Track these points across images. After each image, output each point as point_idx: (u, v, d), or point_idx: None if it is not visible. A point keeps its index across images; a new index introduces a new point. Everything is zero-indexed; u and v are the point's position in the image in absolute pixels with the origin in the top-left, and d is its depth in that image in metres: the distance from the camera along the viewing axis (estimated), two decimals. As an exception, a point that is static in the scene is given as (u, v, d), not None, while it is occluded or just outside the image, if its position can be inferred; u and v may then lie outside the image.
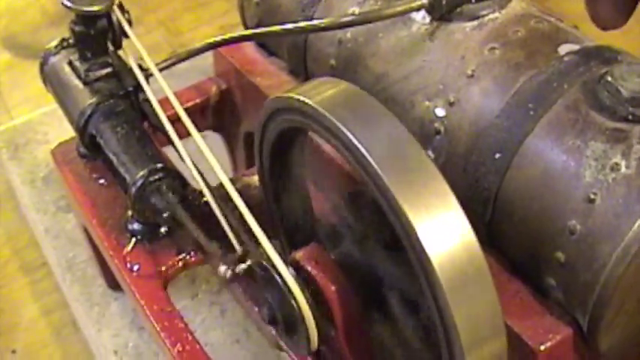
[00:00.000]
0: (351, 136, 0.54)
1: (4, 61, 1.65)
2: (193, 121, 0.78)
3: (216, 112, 0.99)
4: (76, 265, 1.08)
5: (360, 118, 0.56)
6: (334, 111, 0.56)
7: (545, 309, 0.66)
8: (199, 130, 0.96)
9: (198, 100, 0.97)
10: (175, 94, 0.82)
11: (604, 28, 0.60)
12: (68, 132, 0.89)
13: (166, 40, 1.63)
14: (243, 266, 0.66)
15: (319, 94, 0.59)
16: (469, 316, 0.53)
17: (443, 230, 0.52)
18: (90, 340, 1.03)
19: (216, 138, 1.06)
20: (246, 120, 0.96)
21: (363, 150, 0.54)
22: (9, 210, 1.29)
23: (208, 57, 0.98)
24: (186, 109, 0.88)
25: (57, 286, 1.14)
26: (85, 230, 0.95)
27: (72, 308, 1.08)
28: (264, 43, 0.95)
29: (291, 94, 0.60)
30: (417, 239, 0.52)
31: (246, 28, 0.99)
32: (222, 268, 0.65)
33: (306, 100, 0.58)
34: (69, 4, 0.79)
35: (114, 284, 1.00)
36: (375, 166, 0.53)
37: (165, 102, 0.80)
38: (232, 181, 0.78)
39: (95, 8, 0.79)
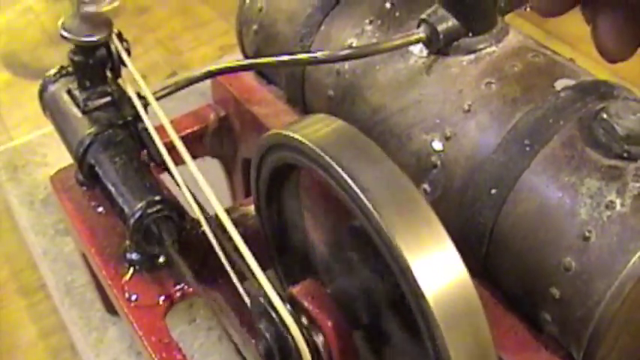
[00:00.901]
0: (344, 174, 0.55)
1: (4, 80, 1.65)
2: (192, 148, 0.78)
3: (215, 139, 0.99)
4: (74, 288, 1.08)
5: (354, 157, 0.57)
6: (329, 150, 0.57)
7: (541, 344, 0.66)
8: (198, 156, 0.97)
9: (196, 128, 0.98)
10: (174, 121, 0.82)
11: (612, 61, 0.60)
12: (67, 154, 0.88)
13: (165, 60, 1.63)
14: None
15: (315, 132, 0.60)
16: (464, 352, 0.53)
17: (437, 268, 0.53)
18: (88, 364, 1.03)
19: (216, 163, 1.06)
20: (244, 147, 0.97)
21: (356, 188, 0.54)
22: (7, 231, 1.29)
23: (208, 80, 0.98)
24: (184, 136, 0.89)
25: (55, 308, 1.14)
26: (84, 255, 0.95)
27: (70, 332, 1.08)
28: (262, 71, 0.96)
29: (286, 132, 0.61)
30: (412, 276, 0.52)
31: (245, 54, 0.99)
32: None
33: (301, 138, 0.59)
34: (67, 34, 0.79)
35: (112, 309, 1.00)
36: (368, 204, 0.54)
37: (163, 129, 0.80)
38: (230, 210, 0.79)
39: (94, 39, 0.80)
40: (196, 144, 0.97)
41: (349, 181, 0.55)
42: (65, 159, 0.93)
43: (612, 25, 0.57)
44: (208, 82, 1.00)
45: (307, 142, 0.58)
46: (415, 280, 0.52)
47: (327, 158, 0.56)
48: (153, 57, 1.64)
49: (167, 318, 0.80)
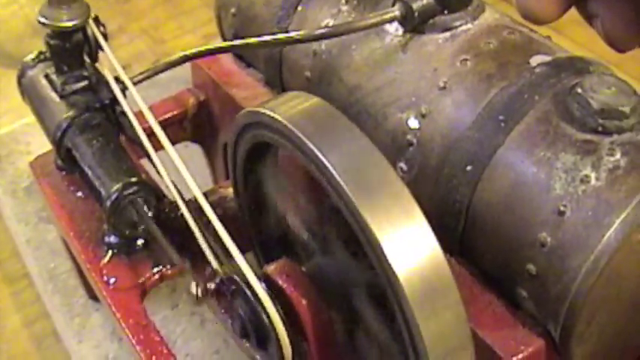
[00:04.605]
0: (316, 152, 0.55)
1: (-13, 70, 1.65)
2: (172, 133, 0.78)
3: (195, 124, 0.99)
4: (57, 276, 1.08)
5: (326, 134, 0.56)
6: (301, 126, 0.57)
7: (518, 320, 0.66)
8: (178, 141, 0.96)
9: (176, 112, 0.97)
10: (153, 106, 0.81)
11: (622, 50, 0.58)
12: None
13: (150, 49, 1.62)
14: (213, 283, 0.66)
15: (288, 109, 0.59)
16: (436, 328, 0.53)
17: (408, 244, 0.53)
18: (71, 351, 1.03)
19: (199, 149, 1.06)
20: (224, 131, 0.96)
21: (328, 165, 0.54)
22: (-9, 221, 1.28)
23: (189, 66, 0.98)
24: (164, 121, 0.89)
25: (39, 296, 1.14)
26: (65, 241, 0.95)
27: (53, 319, 1.08)
28: (241, 55, 0.95)
29: (260, 109, 0.61)
30: (382, 253, 0.52)
31: (224, 38, 0.99)
32: (193, 286, 0.66)
33: (275, 116, 0.59)
34: (44, 20, 0.79)
35: (95, 295, 1.00)
36: (340, 182, 0.54)
37: (142, 114, 0.80)
38: (208, 193, 0.79)
39: (70, 24, 0.79)
40: (176, 129, 0.97)
41: (321, 157, 0.55)
42: (48, 148, 0.92)
43: (620, 12, 0.55)
44: (190, 69, 1.00)
45: (280, 119, 0.58)
46: (385, 257, 0.52)
47: (299, 134, 0.56)
48: (137, 46, 1.63)
49: (149, 304, 0.80)
